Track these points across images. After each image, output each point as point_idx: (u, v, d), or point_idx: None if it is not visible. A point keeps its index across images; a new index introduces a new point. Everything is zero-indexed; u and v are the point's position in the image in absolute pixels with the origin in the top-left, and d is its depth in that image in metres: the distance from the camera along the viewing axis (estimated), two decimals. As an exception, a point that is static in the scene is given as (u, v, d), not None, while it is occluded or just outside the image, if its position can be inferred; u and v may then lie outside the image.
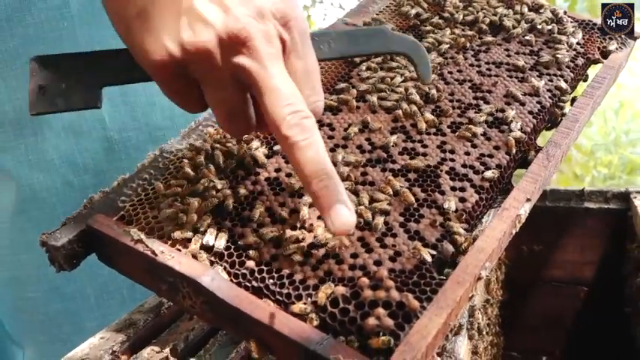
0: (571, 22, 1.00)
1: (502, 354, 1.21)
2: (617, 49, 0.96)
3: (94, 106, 0.65)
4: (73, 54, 0.65)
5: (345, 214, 0.56)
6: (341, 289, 0.58)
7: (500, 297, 1.09)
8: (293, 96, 0.57)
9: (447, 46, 0.93)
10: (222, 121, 0.62)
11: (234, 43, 0.56)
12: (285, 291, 0.60)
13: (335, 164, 0.72)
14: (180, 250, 0.64)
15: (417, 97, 0.83)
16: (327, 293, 0.58)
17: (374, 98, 0.83)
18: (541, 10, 1.01)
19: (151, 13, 0.57)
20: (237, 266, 0.63)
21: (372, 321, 0.55)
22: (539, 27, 0.97)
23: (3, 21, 0.87)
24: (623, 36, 0.98)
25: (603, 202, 1.13)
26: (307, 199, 0.68)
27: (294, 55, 0.60)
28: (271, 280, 0.61)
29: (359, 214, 0.66)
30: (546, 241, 1.18)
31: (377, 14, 1.00)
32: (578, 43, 0.96)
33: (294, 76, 0.59)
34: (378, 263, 0.62)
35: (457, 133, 0.79)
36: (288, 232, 0.64)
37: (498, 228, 0.67)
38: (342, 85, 0.86)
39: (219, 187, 0.70)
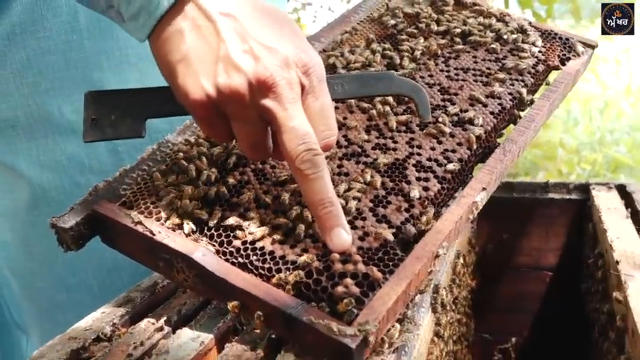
0: (534, 32, 1.09)
1: (474, 335, 1.31)
2: (574, 56, 1.05)
3: (138, 136, 0.75)
4: (121, 90, 0.76)
5: (343, 236, 0.68)
6: (315, 263, 0.68)
7: (469, 282, 1.19)
8: (307, 135, 0.66)
9: (420, 52, 1.02)
10: (247, 149, 0.72)
11: (262, 88, 0.65)
12: (266, 265, 0.69)
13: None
14: (174, 231, 0.73)
15: (390, 99, 0.92)
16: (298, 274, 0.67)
17: (351, 100, 0.92)
18: (507, 21, 1.10)
19: (193, 59, 0.66)
20: (225, 245, 0.72)
21: (340, 289, 0.65)
22: (505, 36, 1.06)
23: (17, 34, 0.95)
24: (582, 44, 1.08)
25: (565, 193, 1.23)
26: (289, 187, 0.77)
27: (312, 96, 0.69)
28: (255, 257, 0.70)
29: None
30: (513, 230, 1.28)
31: (358, 23, 1.09)
32: (539, 51, 1.05)
33: (310, 115, 0.68)
34: (348, 242, 0.71)
35: (425, 131, 0.88)
36: (271, 216, 0.74)
37: (456, 212, 0.76)
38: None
39: (211, 177, 0.79)
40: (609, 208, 1.08)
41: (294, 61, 0.67)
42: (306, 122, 0.67)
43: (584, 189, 1.22)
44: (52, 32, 0.96)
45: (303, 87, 0.68)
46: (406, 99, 0.91)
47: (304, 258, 0.68)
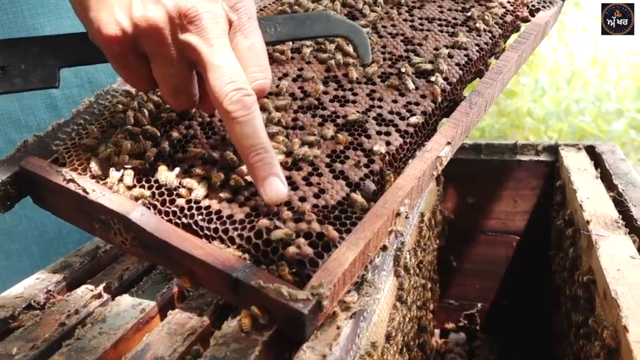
0: (503, -20, 1.03)
1: (439, 302, 1.27)
2: (544, 7, 1.00)
3: (52, 86, 0.68)
4: (30, 37, 0.68)
5: (278, 186, 0.61)
6: (265, 222, 0.62)
7: (435, 245, 1.14)
8: (236, 74, 0.60)
9: (382, 0, 0.96)
10: (168, 95, 0.64)
11: (182, 21, 0.59)
12: (212, 226, 0.63)
13: (266, 110, 0.75)
14: (110, 189, 0.66)
15: (350, 49, 0.85)
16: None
17: (308, 50, 0.85)
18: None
19: None
20: (167, 204, 0.65)
21: (292, 249, 0.59)
22: (473, -16, 1.00)
23: None
24: (551, -6, 1.02)
25: (534, 154, 1.19)
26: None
27: (241, 34, 0.62)
28: (200, 217, 0.64)
29: (288, 154, 0.69)
30: (482, 193, 1.24)
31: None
32: (508, 2, 0.99)
33: (240, 54, 0.62)
34: (302, 199, 0.65)
35: (386, 83, 0.82)
36: (219, 173, 0.67)
37: (418, 168, 0.71)
38: (279, 36, 0.88)
39: (154, 131, 0.72)
40: (579, 169, 1.04)
41: None
42: (235, 60, 0.61)
43: (553, 150, 1.19)
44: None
45: (230, 23, 0.61)
46: None
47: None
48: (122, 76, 0.65)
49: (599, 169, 1.03)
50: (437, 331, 1.35)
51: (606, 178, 0.99)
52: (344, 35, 0.74)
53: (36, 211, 0.75)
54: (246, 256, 0.60)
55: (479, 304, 1.32)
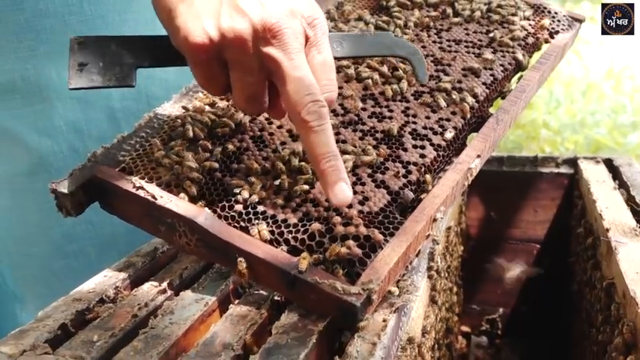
0: (525, 5, 1.10)
1: (464, 306, 1.33)
2: (562, 30, 1.07)
3: (128, 85, 0.72)
4: (110, 36, 0.72)
5: (345, 191, 0.66)
6: (317, 226, 0.69)
7: (460, 252, 1.21)
8: (313, 87, 0.65)
9: (412, 24, 1.03)
10: (242, 102, 0.70)
11: (266, 35, 0.64)
12: (269, 229, 0.70)
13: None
14: (176, 196, 0.74)
15: (384, 69, 0.93)
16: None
17: (350, 70, 0.93)
18: (499, -7, 1.12)
19: None
20: (227, 209, 0.73)
21: (344, 249, 0.66)
22: (496, 9, 1.07)
23: None
24: (570, 18, 1.09)
25: (554, 166, 1.26)
26: (286, 152, 0.78)
27: (316, 50, 0.68)
28: (257, 221, 0.71)
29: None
30: (504, 203, 1.31)
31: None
32: (529, 25, 1.07)
33: (314, 68, 0.67)
34: (349, 206, 0.73)
35: (419, 100, 0.89)
36: (271, 181, 0.75)
37: (452, 178, 0.78)
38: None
39: (209, 145, 0.80)
40: (597, 181, 1.10)
41: (300, 11, 0.66)
42: (311, 73, 0.66)
43: (573, 163, 1.25)
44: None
45: (307, 39, 0.67)
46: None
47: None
48: (199, 81, 0.69)
49: (616, 181, 1.09)
50: (464, 328, 1.41)
51: (624, 189, 1.06)
52: (403, 56, 0.79)
53: (94, 214, 0.82)
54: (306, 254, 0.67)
55: (500, 309, 1.38)
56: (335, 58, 0.73)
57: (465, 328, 1.43)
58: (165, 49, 0.70)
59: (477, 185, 1.30)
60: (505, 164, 1.29)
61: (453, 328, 1.14)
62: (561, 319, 1.23)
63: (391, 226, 0.70)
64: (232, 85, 0.69)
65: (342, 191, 0.66)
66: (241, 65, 0.66)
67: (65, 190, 0.76)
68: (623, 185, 1.07)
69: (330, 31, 0.73)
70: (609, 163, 1.20)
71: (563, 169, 1.25)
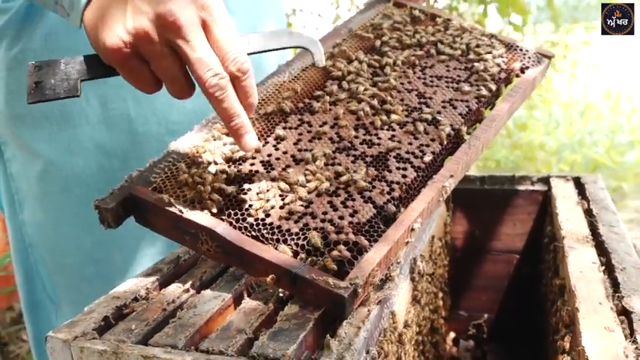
0: (499, 44, 1.26)
1: (451, 311, 1.48)
2: (532, 65, 1.23)
3: (74, 95, 0.85)
4: (57, 59, 0.86)
5: (251, 139, 0.85)
6: (314, 234, 0.84)
7: (445, 262, 1.36)
8: (211, 62, 0.79)
9: (401, 62, 1.19)
10: (169, 86, 0.83)
11: (165, 25, 0.76)
12: (274, 237, 0.86)
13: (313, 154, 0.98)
14: (201, 211, 0.89)
15: (375, 102, 1.09)
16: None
17: (342, 103, 1.09)
18: (476, 34, 1.28)
19: (107, 16, 0.78)
20: (240, 221, 0.89)
21: (335, 252, 0.81)
22: (474, 49, 1.23)
23: (52, 36, 1.11)
24: (539, 55, 1.25)
25: (529, 184, 1.41)
26: (291, 174, 0.94)
27: (214, 27, 0.79)
28: (265, 231, 0.87)
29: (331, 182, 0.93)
30: (485, 218, 1.46)
31: (344, 40, 1.25)
32: (502, 61, 1.22)
33: (217, 44, 0.79)
34: (341, 218, 0.88)
35: (403, 129, 1.05)
36: (277, 198, 0.90)
37: (428, 194, 0.93)
38: (319, 92, 1.12)
39: (226, 169, 0.95)
40: (564, 196, 1.25)
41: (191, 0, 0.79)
42: (210, 51, 0.78)
43: (546, 181, 1.40)
44: (79, 34, 1.12)
45: (204, 22, 0.78)
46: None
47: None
48: (130, 82, 0.82)
49: (580, 197, 1.24)
50: (450, 339, 1.55)
51: (587, 204, 1.20)
52: (304, 46, 0.94)
53: (121, 226, 0.96)
54: (301, 257, 0.83)
55: (485, 315, 1.52)
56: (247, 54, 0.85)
57: (452, 334, 1.57)
58: (100, 63, 0.85)
59: (462, 202, 1.45)
60: (486, 183, 1.44)
61: (440, 330, 1.28)
62: (535, 325, 1.37)
63: (375, 234, 0.86)
64: (157, 75, 0.81)
65: (248, 141, 0.84)
66: (154, 54, 0.78)
67: (107, 206, 0.91)
68: (585, 200, 1.21)
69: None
70: (577, 181, 1.35)
71: (538, 187, 1.41)
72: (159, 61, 0.79)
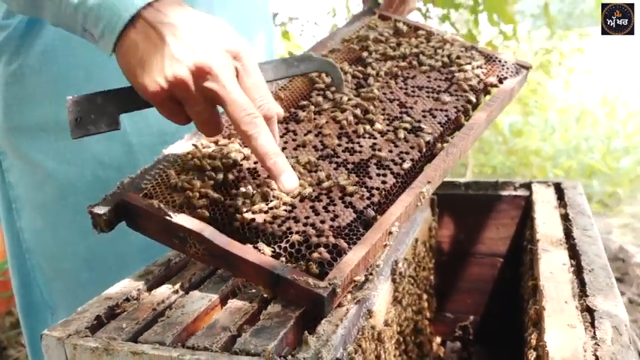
0: (479, 55, 1.31)
1: (437, 313, 1.52)
2: (510, 75, 1.27)
3: (115, 129, 0.92)
4: (96, 92, 0.92)
5: (290, 179, 0.87)
6: (296, 237, 0.89)
7: (430, 265, 1.40)
8: (246, 104, 0.84)
9: (384, 73, 1.24)
10: (200, 126, 0.89)
11: (201, 73, 0.81)
12: (259, 240, 0.90)
13: (297, 159, 1.03)
14: (189, 215, 0.94)
15: (358, 112, 1.14)
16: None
17: (327, 113, 1.14)
18: (457, 46, 1.33)
19: (146, 61, 0.83)
20: (227, 225, 0.93)
21: (316, 254, 0.86)
22: (455, 60, 1.28)
23: (50, 52, 1.16)
24: (517, 65, 1.30)
25: (512, 190, 1.45)
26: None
27: (245, 75, 0.87)
28: (250, 234, 0.92)
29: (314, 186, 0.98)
30: (470, 223, 1.50)
31: (330, 51, 1.30)
32: (482, 72, 1.27)
33: (247, 90, 0.87)
34: (322, 222, 0.93)
35: (384, 137, 1.10)
36: (262, 203, 0.95)
37: (405, 200, 0.98)
38: (304, 102, 1.17)
39: (214, 175, 1.00)
40: (543, 201, 1.29)
41: (225, 49, 0.85)
42: (244, 94, 0.83)
43: (528, 186, 1.45)
44: (77, 51, 1.17)
45: (237, 70, 0.86)
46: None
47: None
48: (166, 117, 0.88)
49: (559, 201, 1.29)
50: (438, 340, 1.59)
51: (563, 208, 1.25)
52: (324, 71, 1.01)
53: (115, 232, 0.99)
54: (283, 259, 0.87)
55: (471, 317, 1.56)
56: (268, 80, 0.91)
57: (438, 338, 1.61)
58: (136, 96, 0.90)
59: (448, 207, 1.50)
60: (471, 188, 1.49)
61: (424, 330, 1.32)
62: (516, 326, 1.41)
63: (355, 237, 0.90)
64: (190, 116, 0.88)
65: (288, 180, 0.86)
66: (189, 100, 0.84)
67: (100, 212, 0.95)
68: (563, 204, 1.26)
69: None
70: (558, 187, 1.39)
71: (520, 192, 1.45)
72: (193, 106, 0.85)
